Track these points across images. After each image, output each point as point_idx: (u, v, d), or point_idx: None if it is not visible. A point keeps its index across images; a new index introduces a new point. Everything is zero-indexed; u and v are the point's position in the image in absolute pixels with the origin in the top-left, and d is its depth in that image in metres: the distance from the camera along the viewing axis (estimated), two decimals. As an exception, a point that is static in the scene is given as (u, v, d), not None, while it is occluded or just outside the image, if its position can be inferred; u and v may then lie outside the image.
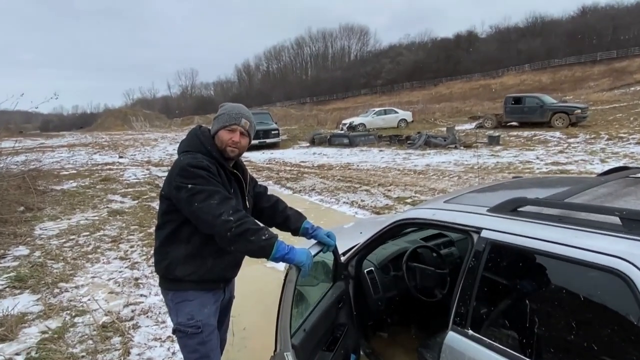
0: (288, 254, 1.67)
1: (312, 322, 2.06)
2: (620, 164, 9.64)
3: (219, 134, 1.82)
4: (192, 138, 1.84)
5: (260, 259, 1.75)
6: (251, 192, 2.02)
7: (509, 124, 19.96)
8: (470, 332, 1.77)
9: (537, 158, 11.46)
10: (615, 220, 1.42)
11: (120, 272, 4.51)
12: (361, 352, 2.71)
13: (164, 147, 22.72)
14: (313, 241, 2.06)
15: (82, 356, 2.85)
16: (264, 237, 1.62)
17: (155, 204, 8.33)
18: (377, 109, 27.02)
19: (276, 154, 18.04)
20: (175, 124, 55.64)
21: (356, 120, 24.85)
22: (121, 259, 4.96)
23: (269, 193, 2.18)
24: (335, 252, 2.38)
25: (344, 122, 25.55)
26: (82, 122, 78.02)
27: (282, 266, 4.29)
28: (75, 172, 13.50)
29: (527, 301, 1.62)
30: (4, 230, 5.91)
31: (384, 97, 55.84)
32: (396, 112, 25.87)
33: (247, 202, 1.92)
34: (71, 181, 11.36)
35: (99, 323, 3.30)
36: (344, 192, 8.58)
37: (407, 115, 25.82)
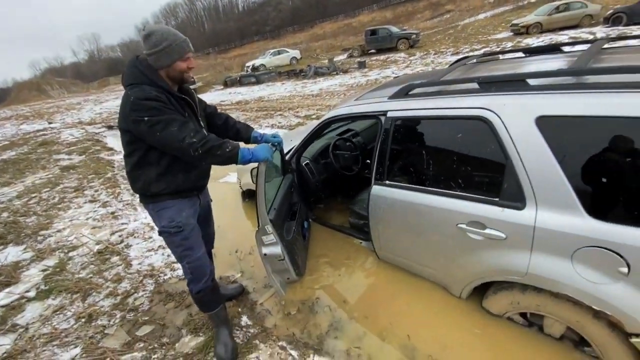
0: (252, 156, 1.56)
1: (278, 203, 2.08)
2: (444, 69, 10.53)
3: (173, 66, 1.46)
4: (133, 70, 1.45)
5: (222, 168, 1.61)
6: (203, 114, 1.75)
7: (370, 51, 20.12)
8: (387, 181, 1.94)
9: (393, 73, 11.97)
10: (475, 85, 1.56)
11: (94, 211, 3.94)
12: (310, 220, 2.87)
13: (90, 109, 18.89)
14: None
15: (90, 277, 2.58)
16: (227, 150, 1.47)
17: (104, 155, 7.17)
18: (271, 51, 24.99)
19: (197, 98, 16.18)
20: (92, 87, 45.99)
21: (257, 62, 22.82)
22: (91, 202, 4.31)
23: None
24: (281, 152, 2.34)
25: (247, 64, 23.36)
26: (-9, 98, 59.92)
27: (234, 179, 4.18)
28: (8, 142, 10.74)
29: (424, 151, 1.79)
30: (-44, 203, 4.67)
31: (274, 41, 51.53)
32: (287, 52, 24.25)
33: (201, 123, 1.66)
34: (8, 151, 9.06)
35: (94, 251, 2.95)
36: (263, 119, 8.20)
37: (296, 53, 24.40)
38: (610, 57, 1.63)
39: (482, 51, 12.68)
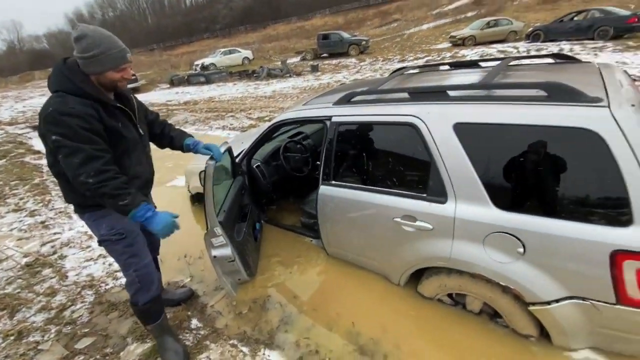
0: (145, 221, 1.37)
1: (228, 205, 2.11)
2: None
3: (105, 75, 1.34)
4: (59, 76, 1.31)
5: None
6: (143, 120, 1.66)
7: (322, 55, 20.54)
8: (333, 182, 2.08)
9: (344, 78, 12.40)
10: (406, 95, 1.77)
11: (20, 221, 3.57)
12: (262, 221, 2.92)
13: (10, 106, 16.51)
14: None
15: (18, 292, 2.36)
16: (120, 203, 1.31)
17: (29, 159, 6.46)
18: (222, 50, 24.26)
19: (140, 97, 15.07)
20: (12, 82, 40.37)
21: (207, 60, 21.99)
22: (15, 211, 3.88)
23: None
24: (231, 155, 2.37)
25: (196, 63, 22.38)
26: None
27: (182, 182, 4.05)
28: None
29: (364, 154, 1.97)
30: None
31: (225, 40, 49.96)
32: (239, 52, 23.74)
33: (140, 130, 1.55)
34: None
35: (22, 264, 2.69)
36: (214, 120, 8.01)
37: (248, 53, 23.99)
38: (513, 73, 1.94)
39: (425, 60, 13.68)
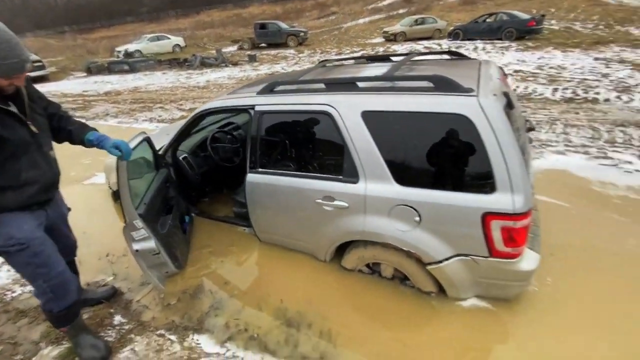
0: None
1: (150, 198, 2.07)
2: (329, 68, 11.44)
3: None
4: None
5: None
6: (42, 114, 1.49)
7: (260, 45, 20.11)
8: (260, 169, 2.17)
9: (282, 69, 12.35)
10: (322, 85, 1.92)
11: None
12: (192, 214, 2.89)
13: None
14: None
15: None
16: None
17: None
18: (149, 36, 22.22)
19: (49, 87, 13.25)
20: None
21: (131, 47, 20.01)
22: None
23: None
24: (152, 146, 2.31)
25: (118, 49, 20.22)
26: None
27: (102, 179, 3.76)
28: None
29: (286, 141, 2.09)
30: None
31: (153, 24, 45.72)
32: (169, 38, 21.98)
33: (32, 128, 1.39)
34: None
35: None
36: (140, 112, 7.43)
37: (180, 40, 22.36)
38: (415, 67, 2.22)
39: (360, 53, 14.26)
